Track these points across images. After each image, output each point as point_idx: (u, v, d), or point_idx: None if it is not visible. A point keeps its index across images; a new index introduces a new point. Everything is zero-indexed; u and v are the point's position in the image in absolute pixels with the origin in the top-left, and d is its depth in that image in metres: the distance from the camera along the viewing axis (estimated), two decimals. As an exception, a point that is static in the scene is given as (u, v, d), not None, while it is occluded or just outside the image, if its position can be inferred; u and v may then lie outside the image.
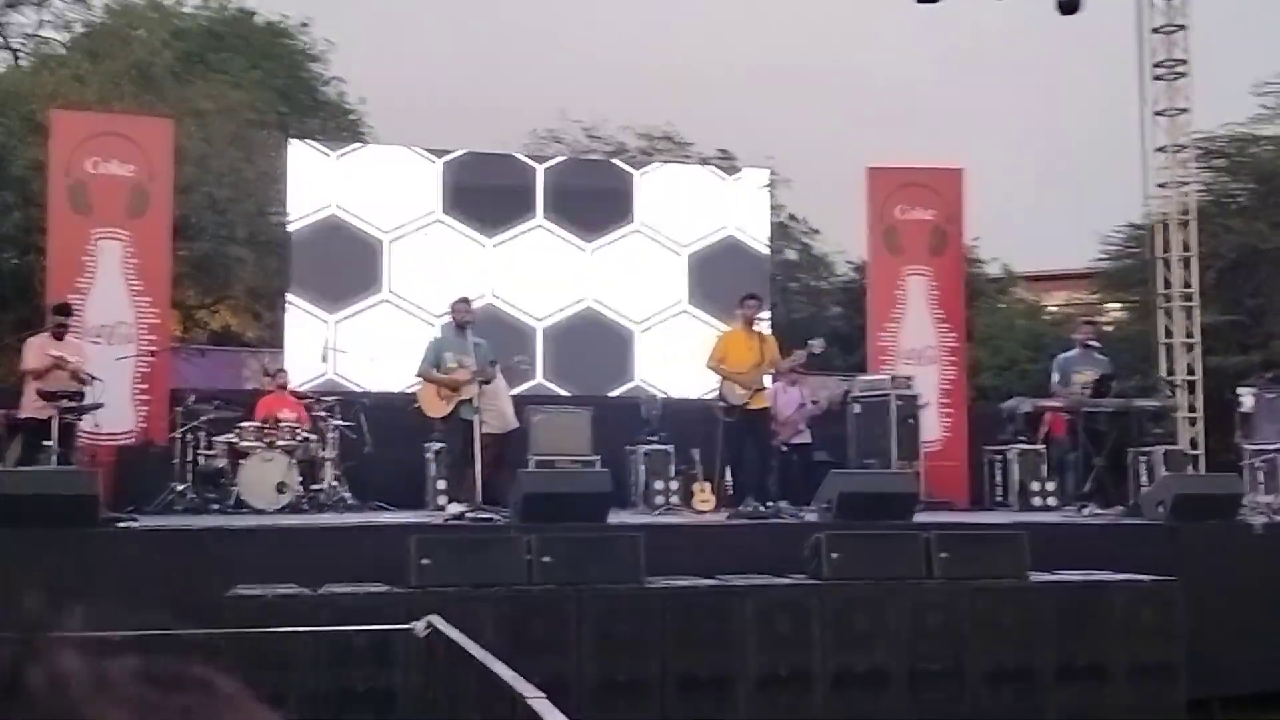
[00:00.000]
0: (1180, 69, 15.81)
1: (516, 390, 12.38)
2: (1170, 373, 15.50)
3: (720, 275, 14.86)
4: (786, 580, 8.43)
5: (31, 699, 0.53)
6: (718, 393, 10.61)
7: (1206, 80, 16.33)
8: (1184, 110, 15.82)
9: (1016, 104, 43.22)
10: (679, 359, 13.51)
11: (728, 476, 11.15)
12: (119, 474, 11.34)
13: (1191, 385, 15.53)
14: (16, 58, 24.36)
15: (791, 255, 27.38)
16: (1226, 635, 9.23)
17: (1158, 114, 15.86)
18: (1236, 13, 23.50)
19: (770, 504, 10.33)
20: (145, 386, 12.24)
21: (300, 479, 10.95)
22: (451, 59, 39.38)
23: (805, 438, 12.72)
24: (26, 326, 11.26)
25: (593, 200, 15.07)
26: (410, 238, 14.35)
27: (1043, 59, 39.46)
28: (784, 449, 12.46)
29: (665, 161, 21.92)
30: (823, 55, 41.79)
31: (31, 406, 10.11)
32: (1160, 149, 15.91)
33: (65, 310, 10.93)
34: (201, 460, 11.15)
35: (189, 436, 11.12)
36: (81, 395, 10.23)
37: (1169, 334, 15.69)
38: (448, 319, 10.54)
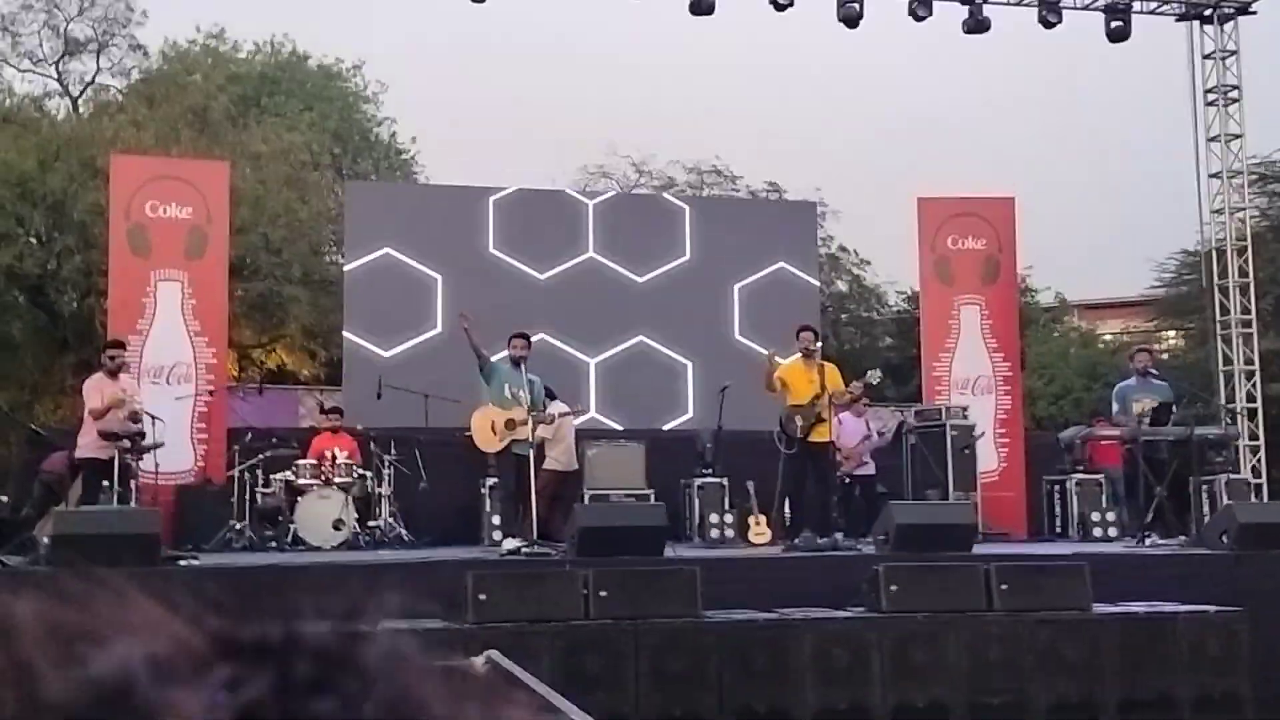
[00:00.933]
0: (1232, 95, 15.67)
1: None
2: (1230, 400, 15.29)
3: (771, 307, 14.85)
4: (844, 613, 8.36)
5: (368, 677, 0.56)
6: (779, 425, 10.56)
7: (1260, 105, 16.22)
8: (1237, 136, 15.68)
9: (1069, 133, 42.98)
10: (731, 391, 13.45)
11: (786, 509, 11.07)
12: (178, 513, 11.46)
13: (1252, 413, 15.30)
14: (76, 105, 24.87)
15: (842, 286, 27.34)
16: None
17: (1211, 140, 15.72)
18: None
19: (826, 536, 10.26)
20: (203, 426, 12.38)
21: (356, 516, 11.01)
22: (499, 98, 39.76)
23: (869, 469, 12.61)
24: (87, 368, 11.44)
25: (643, 234, 15.12)
26: (464, 274, 14.45)
27: (1095, 87, 39.29)
28: (846, 480, 12.39)
29: (714, 195, 21.99)
30: (874, 87, 41.82)
31: (92, 447, 10.23)
32: (1214, 175, 15.75)
33: (116, 345, 11.07)
34: (259, 498, 11.24)
35: (246, 475, 11.22)
36: (142, 435, 10.35)
37: (1228, 361, 15.48)
38: (504, 354, 10.58)
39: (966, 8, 14.80)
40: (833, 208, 25.82)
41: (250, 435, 11.70)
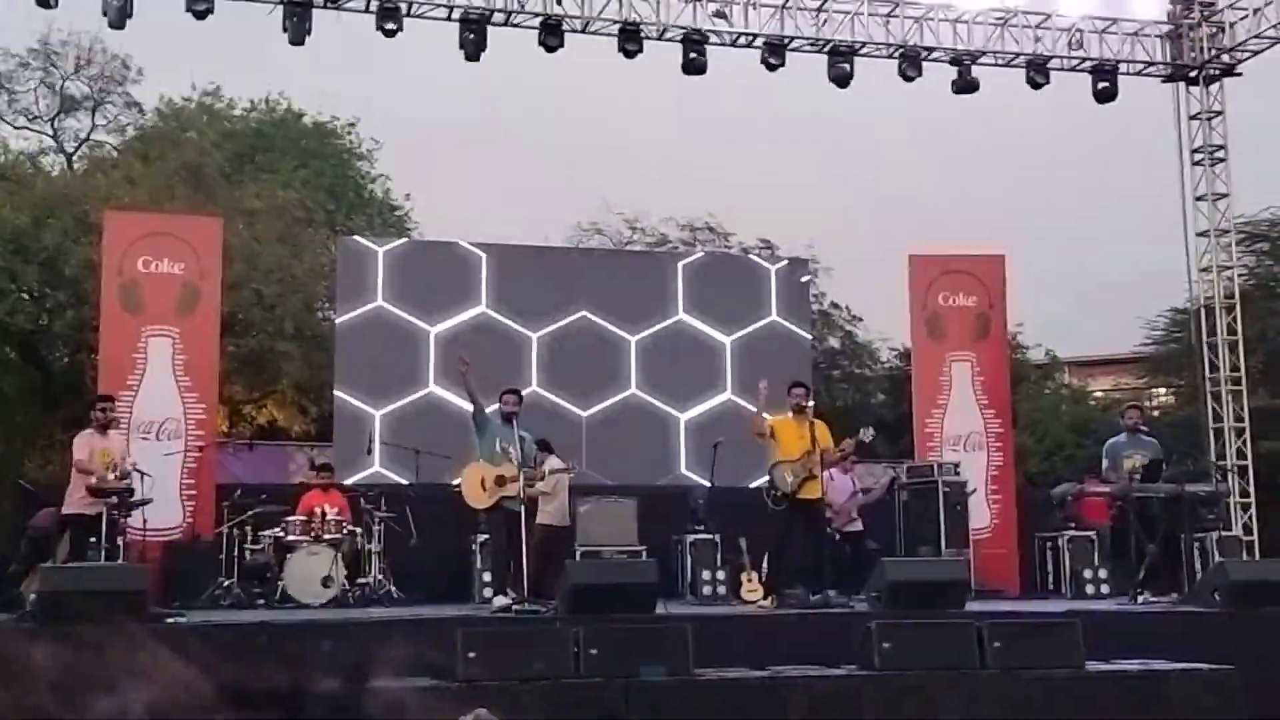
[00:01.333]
0: (1219, 154, 15.82)
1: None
2: (1220, 457, 15.30)
3: (763, 363, 14.88)
4: (838, 671, 8.30)
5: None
6: (768, 482, 10.55)
7: (1246, 165, 16.35)
8: (1224, 195, 15.80)
9: (1059, 191, 43.33)
10: (724, 448, 13.44)
11: (767, 564, 11.01)
12: (166, 569, 11.39)
13: (1242, 470, 15.31)
14: (70, 161, 25.00)
15: (834, 343, 27.40)
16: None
17: (1199, 199, 15.84)
18: (1273, 97, 23.53)
19: (819, 593, 10.22)
20: (192, 482, 12.34)
21: (345, 573, 10.95)
22: (494, 155, 40.00)
23: (857, 526, 12.59)
24: (77, 424, 11.42)
25: (636, 290, 15.18)
26: (456, 330, 14.48)
27: (1084, 146, 39.64)
28: (836, 537, 12.36)
29: (707, 251, 22.10)
30: (865, 145, 42.16)
31: (80, 503, 10.18)
32: (1202, 234, 15.86)
33: (106, 399, 11.05)
34: (248, 555, 11.18)
35: (235, 531, 11.17)
36: (130, 491, 10.31)
37: (1217, 418, 15.51)
38: (495, 409, 10.57)
39: (955, 68, 14.97)
40: (825, 264, 25.97)
41: (239, 491, 11.66)
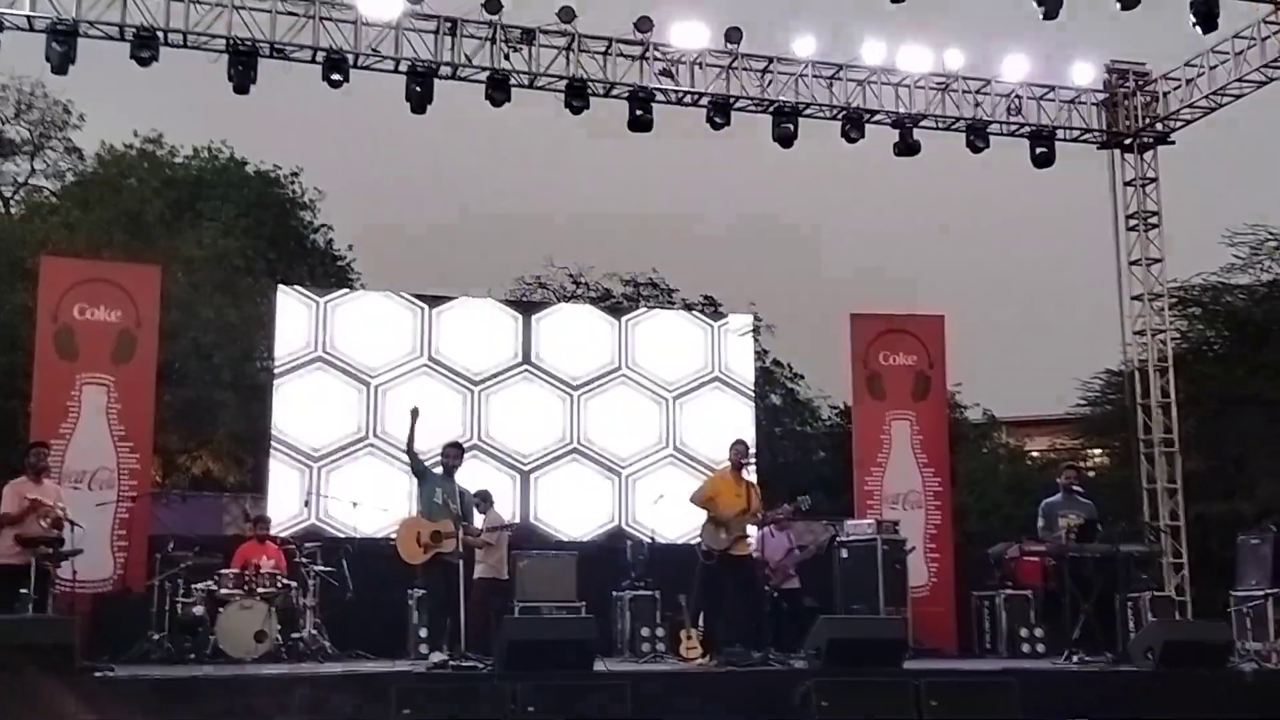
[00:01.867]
0: (1152, 220, 16.15)
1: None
2: (1154, 518, 15.49)
3: (705, 419, 14.93)
4: (775, 729, 8.28)
5: None
6: (700, 537, 10.54)
7: (1179, 231, 16.70)
8: (1158, 260, 16.12)
9: (997, 253, 44.03)
10: (665, 503, 13.41)
11: (702, 621, 10.97)
12: (96, 622, 11.16)
13: (1175, 531, 15.50)
14: (8, 205, 24.70)
15: (776, 400, 27.54)
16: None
17: (1133, 264, 16.15)
18: (1205, 167, 24.14)
19: (759, 650, 10.19)
20: (124, 533, 12.16)
21: (279, 627, 10.79)
22: (438, 208, 40.04)
23: (794, 583, 12.61)
24: (8, 472, 11.20)
25: (578, 346, 15.18)
26: (396, 383, 14.39)
27: (1022, 210, 40.36)
28: (774, 595, 12.34)
29: (650, 307, 22.19)
30: (806, 206, 42.66)
31: (8, 553, 9.95)
32: (1136, 297, 16.15)
33: (40, 445, 10.85)
34: (179, 608, 10.99)
35: (167, 584, 10.98)
36: (60, 541, 10.10)
37: (1151, 480, 15.72)
38: (437, 462, 10.49)
39: (898, 131, 15.20)
40: (768, 321, 26.15)
41: (172, 543, 11.47)
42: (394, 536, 10.19)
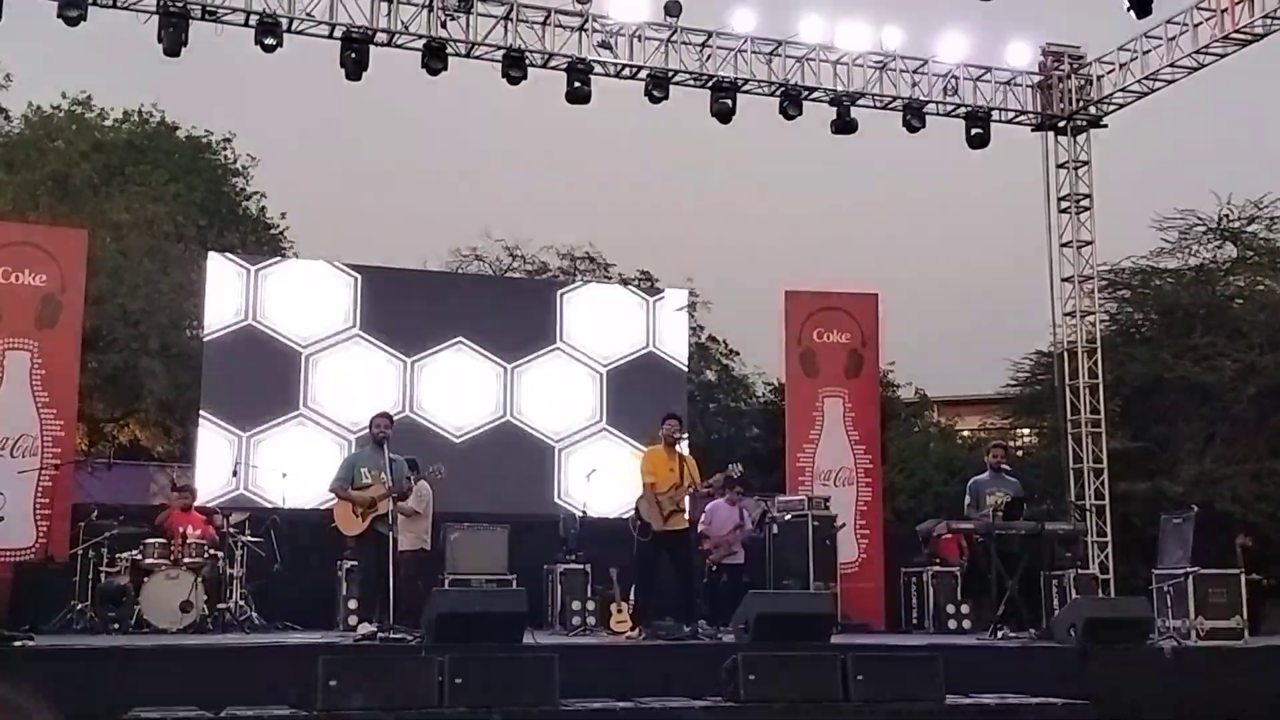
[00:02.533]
0: (1084, 203, 16.33)
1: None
2: (1080, 497, 15.72)
3: (639, 394, 14.92)
4: (702, 702, 8.31)
5: None
6: (634, 512, 10.54)
7: (1110, 214, 16.90)
8: (1088, 243, 16.31)
9: (931, 234, 44.35)
10: (598, 477, 13.39)
11: (634, 596, 10.99)
12: (16, 591, 10.99)
13: (1100, 510, 15.75)
14: (-70, 167, 24.06)
15: (711, 376, 27.59)
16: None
17: (1064, 246, 16.33)
18: (1137, 151, 24.46)
19: (690, 624, 10.23)
20: (47, 501, 11.94)
21: (206, 598, 10.67)
22: (374, 176, 39.63)
23: (738, 558, 12.60)
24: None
25: (513, 318, 15.11)
26: (328, 353, 14.24)
27: (956, 191, 40.66)
28: (714, 569, 12.38)
29: (587, 281, 22.14)
30: (743, 183, 42.68)
31: (-74, 521, 9.79)
32: (1067, 279, 16.34)
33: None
34: (103, 578, 10.82)
35: (91, 553, 10.81)
36: (-20, 509, 9.92)
37: (1078, 459, 15.95)
38: (365, 434, 10.41)
39: (835, 109, 15.23)
40: (704, 298, 26.17)
41: (96, 512, 11.28)
42: (325, 508, 10.10)
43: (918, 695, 8.52)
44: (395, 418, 10.69)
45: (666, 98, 14.60)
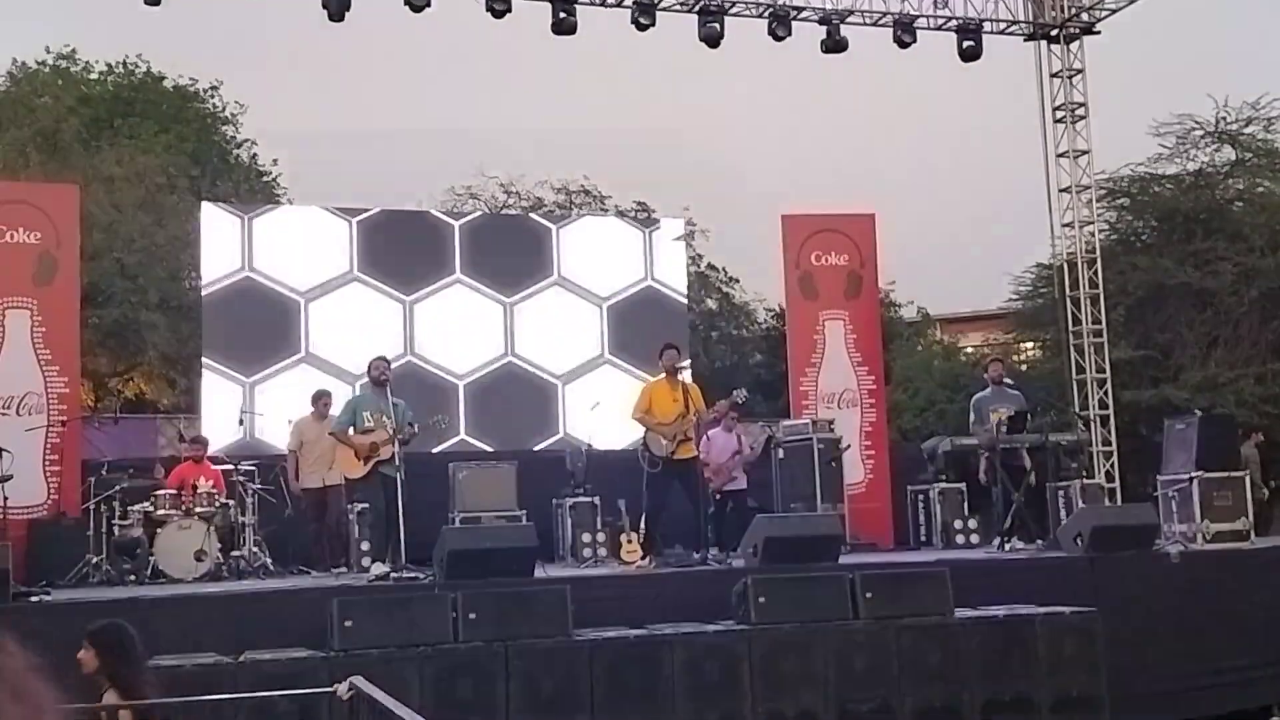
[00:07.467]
0: (1079, 112, 16.21)
1: (440, 447, 12.29)
2: (1084, 408, 15.77)
3: (640, 326, 14.93)
4: (714, 626, 8.42)
5: None
6: (642, 443, 10.60)
7: (1106, 122, 16.77)
8: (1085, 152, 16.21)
9: (927, 150, 44.07)
10: (602, 409, 13.44)
11: (646, 526, 11.06)
12: (31, 548, 11.06)
13: (1104, 419, 15.80)
14: (-83, 128, 23.91)
15: (712, 305, 27.57)
16: (1145, 664, 9.37)
17: (1060, 156, 16.23)
18: (1131, 57, 24.20)
19: (699, 551, 10.32)
20: (56, 458, 11.98)
21: (219, 546, 10.75)
22: (365, 117, 39.31)
23: (740, 484, 12.66)
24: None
25: (511, 255, 15.08)
26: (326, 298, 14.25)
27: (951, 105, 40.33)
28: (718, 496, 12.45)
29: (583, 215, 22.04)
30: (738, 105, 42.36)
31: (-63, 481, 9.84)
32: (1064, 190, 16.27)
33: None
34: (116, 531, 10.90)
35: (103, 507, 10.88)
36: (-9, 468, 9.98)
37: (1080, 370, 15.97)
38: (365, 378, 10.44)
39: (825, 28, 15.08)
40: (701, 226, 26.07)
41: (106, 466, 11.34)
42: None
43: (926, 610, 8.63)
44: (398, 362, 10.71)
45: (653, 24, 14.45)
